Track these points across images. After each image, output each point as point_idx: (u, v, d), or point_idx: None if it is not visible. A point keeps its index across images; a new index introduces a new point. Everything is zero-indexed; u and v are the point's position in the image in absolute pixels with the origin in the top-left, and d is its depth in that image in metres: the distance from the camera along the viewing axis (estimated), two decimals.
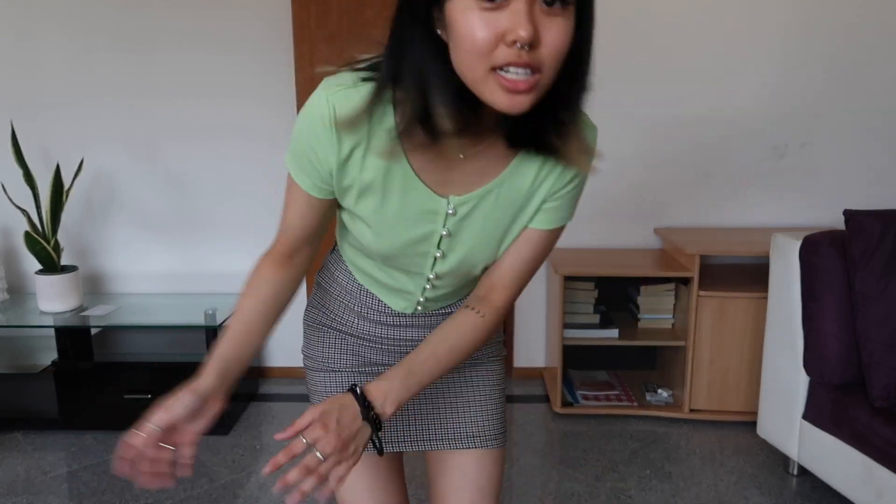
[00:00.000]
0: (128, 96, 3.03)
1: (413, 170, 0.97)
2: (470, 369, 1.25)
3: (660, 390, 2.90)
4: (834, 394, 2.14)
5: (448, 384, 1.24)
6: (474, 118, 0.89)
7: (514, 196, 1.01)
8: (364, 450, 0.98)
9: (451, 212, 1.01)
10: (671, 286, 2.85)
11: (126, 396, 2.70)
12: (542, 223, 1.05)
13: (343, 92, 0.92)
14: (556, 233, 1.07)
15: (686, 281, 2.73)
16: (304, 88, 2.91)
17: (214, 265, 3.18)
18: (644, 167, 3.03)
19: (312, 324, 1.27)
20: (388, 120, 0.92)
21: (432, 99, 0.85)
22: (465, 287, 1.16)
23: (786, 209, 3.04)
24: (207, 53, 2.98)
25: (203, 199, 3.12)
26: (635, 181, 3.05)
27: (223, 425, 2.73)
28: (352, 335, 1.22)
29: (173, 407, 0.98)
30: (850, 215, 2.08)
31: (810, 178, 3.01)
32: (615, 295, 3.06)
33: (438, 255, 1.06)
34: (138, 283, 3.20)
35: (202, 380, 0.99)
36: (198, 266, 3.18)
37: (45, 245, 2.76)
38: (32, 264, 3.09)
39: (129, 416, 2.91)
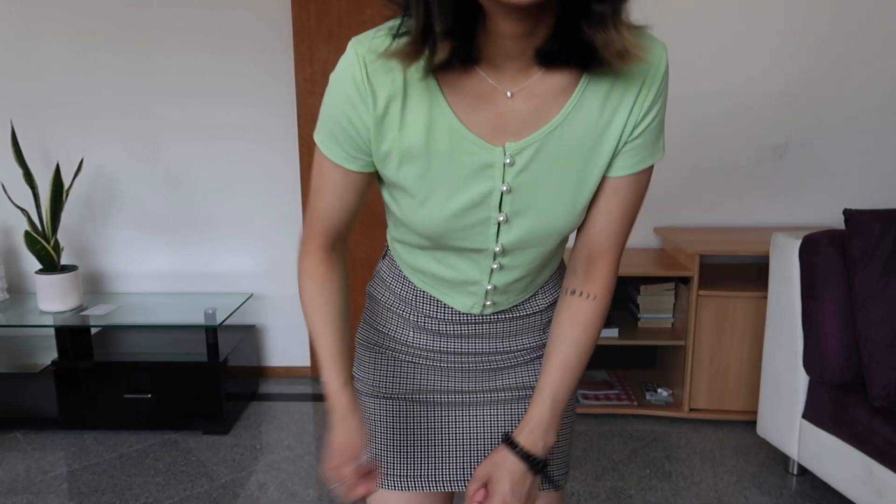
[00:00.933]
0: (128, 96, 3.03)
1: (458, 118, 0.84)
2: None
3: (660, 390, 2.90)
4: (834, 393, 2.14)
5: (514, 411, 1.08)
6: (487, 37, 0.78)
7: (584, 134, 0.85)
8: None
9: (508, 161, 0.86)
10: (671, 285, 2.85)
11: (126, 396, 2.70)
12: (627, 167, 0.89)
13: (371, 42, 0.83)
14: (644, 176, 0.91)
15: (686, 280, 2.73)
16: (304, 88, 2.91)
17: (214, 265, 3.18)
18: None
19: (363, 342, 1.12)
20: (422, 67, 0.81)
21: (431, 3, 0.74)
22: (541, 271, 1.01)
23: (786, 209, 3.04)
24: (207, 53, 2.98)
25: (203, 198, 3.12)
26: None
27: (223, 424, 2.73)
28: (407, 354, 1.08)
29: (351, 459, 0.94)
30: (849, 215, 2.08)
31: (810, 178, 3.01)
32: (615, 294, 3.04)
33: (501, 218, 0.90)
34: (138, 282, 3.20)
35: (338, 388, 0.96)
36: (198, 265, 3.18)
37: (45, 244, 2.77)
38: (32, 264, 3.10)
39: (129, 416, 2.93)
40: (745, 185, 3.03)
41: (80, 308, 2.88)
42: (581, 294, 0.97)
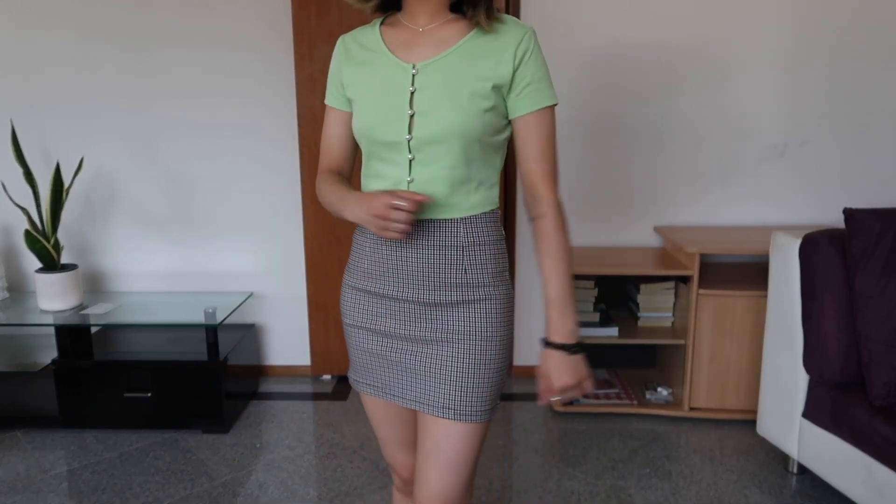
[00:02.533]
0: (128, 95, 3.03)
1: (387, 48, 1.30)
2: (464, 343, 1.30)
3: (660, 389, 2.90)
4: (834, 392, 2.15)
5: (435, 353, 1.32)
6: None
7: (468, 63, 1.24)
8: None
9: (415, 72, 1.25)
10: (671, 284, 2.85)
11: (126, 395, 2.71)
12: (528, 106, 1.26)
13: (353, 30, 1.40)
14: (546, 114, 1.27)
15: (686, 279, 2.73)
16: (304, 87, 2.91)
17: (215, 264, 3.18)
18: (644, 166, 3.03)
19: (343, 282, 1.44)
20: (375, 26, 1.36)
21: None
22: (452, 186, 1.26)
23: (786, 208, 3.04)
24: (207, 52, 2.98)
25: (203, 197, 3.12)
26: (635, 180, 3.05)
27: (223, 423, 2.73)
28: (364, 290, 1.37)
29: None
30: (849, 214, 2.08)
31: (810, 177, 3.01)
32: (615, 293, 3.06)
33: (411, 112, 1.24)
34: (138, 281, 3.20)
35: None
36: (198, 264, 3.18)
37: (45, 243, 2.77)
38: (32, 263, 3.10)
39: (129, 415, 2.93)
40: (744, 185, 3.03)
41: (80, 307, 2.88)
42: (535, 218, 1.30)
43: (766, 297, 2.43)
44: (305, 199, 3.01)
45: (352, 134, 1.36)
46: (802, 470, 2.41)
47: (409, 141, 1.25)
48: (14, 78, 3.03)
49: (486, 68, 1.24)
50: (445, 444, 1.31)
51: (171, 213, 3.14)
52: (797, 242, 2.21)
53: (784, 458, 2.48)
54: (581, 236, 3.08)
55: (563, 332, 1.27)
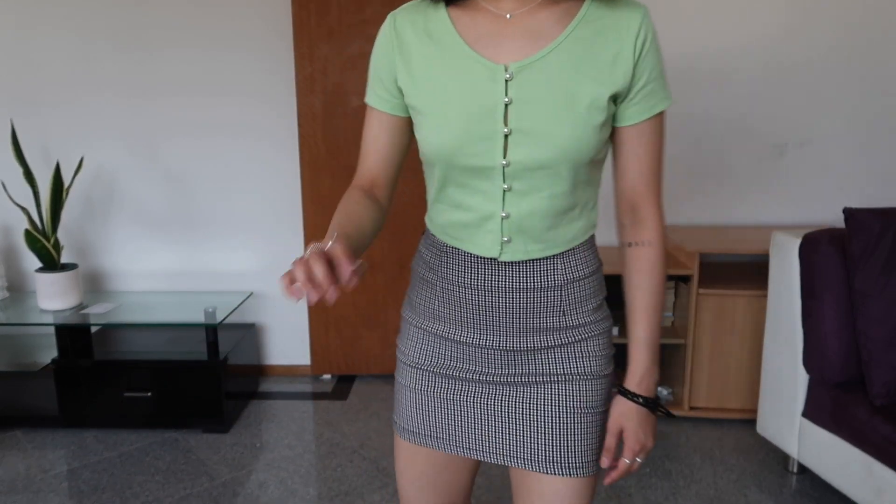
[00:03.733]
0: (128, 94, 3.03)
1: (465, 42, 0.99)
2: (566, 385, 1.12)
3: (659, 388, 2.90)
4: (834, 392, 2.15)
5: (529, 397, 1.11)
6: None
7: (580, 60, 0.96)
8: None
9: (508, 77, 0.96)
10: (671, 284, 2.85)
11: (126, 394, 2.71)
12: (641, 113, 1.00)
13: (403, 6, 1.07)
14: (658, 121, 1.02)
15: (686, 279, 2.73)
16: (304, 87, 2.91)
17: (215, 263, 3.18)
18: None
19: (405, 318, 1.20)
20: (440, 7, 1.02)
21: None
22: (556, 219, 1.03)
23: (785, 207, 3.04)
24: (208, 51, 2.98)
25: (203, 196, 3.12)
26: None
27: (223, 423, 2.73)
28: (434, 333, 1.14)
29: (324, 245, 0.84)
30: (849, 213, 2.08)
31: (810, 177, 3.01)
32: (615, 293, 3.05)
33: (506, 131, 0.96)
34: (138, 281, 3.20)
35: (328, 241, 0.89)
36: (198, 264, 3.18)
37: (45, 243, 2.77)
38: (32, 262, 3.10)
39: (129, 414, 2.93)
40: (745, 184, 3.03)
41: (80, 306, 2.88)
42: (635, 244, 1.08)
43: (765, 296, 2.43)
44: (305, 198, 3.01)
45: (398, 142, 1.10)
46: (802, 469, 2.41)
47: (504, 167, 0.98)
48: (14, 77, 3.03)
49: (602, 68, 0.96)
50: (552, 500, 1.11)
51: (171, 213, 3.14)
52: (797, 242, 2.21)
53: (784, 458, 2.48)
54: None
55: (649, 383, 1.11)
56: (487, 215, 1.03)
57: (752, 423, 2.66)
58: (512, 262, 1.05)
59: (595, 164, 1.03)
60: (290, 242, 3.14)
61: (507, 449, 1.12)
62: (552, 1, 0.98)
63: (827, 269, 2.13)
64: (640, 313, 1.11)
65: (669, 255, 2.88)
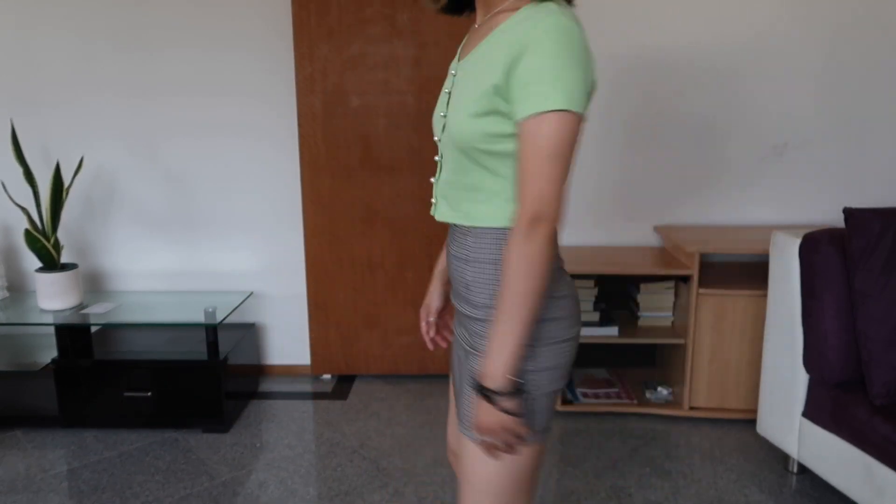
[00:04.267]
0: (128, 94, 3.03)
1: (460, 48, 1.26)
2: (470, 358, 1.22)
3: (659, 388, 2.90)
4: (833, 392, 2.15)
5: (463, 364, 1.27)
6: None
7: (484, 59, 1.11)
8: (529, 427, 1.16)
9: (454, 73, 1.21)
10: (671, 284, 2.85)
11: (126, 394, 2.71)
12: (518, 112, 1.04)
13: None
14: (532, 125, 1.02)
15: (686, 279, 2.73)
16: (304, 87, 2.91)
17: (215, 263, 3.18)
18: (644, 165, 3.03)
19: None
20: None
21: None
22: (459, 191, 1.19)
23: (786, 207, 3.04)
24: (208, 51, 2.98)
25: (203, 196, 3.12)
26: (635, 179, 3.05)
27: (223, 423, 2.73)
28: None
29: (432, 303, 1.47)
30: (849, 213, 2.08)
31: (810, 176, 3.01)
32: (615, 293, 3.06)
33: (444, 114, 1.19)
34: (138, 280, 3.20)
35: (435, 298, 1.47)
36: (198, 264, 3.18)
37: (45, 243, 2.77)
38: (32, 262, 3.10)
39: (129, 414, 2.93)
40: (745, 184, 3.03)
41: (80, 306, 2.88)
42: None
43: (766, 296, 2.43)
44: (305, 198, 3.01)
45: None
46: (802, 469, 2.41)
47: (438, 142, 1.25)
48: (14, 77, 3.03)
49: (491, 67, 1.07)
50: (467, 465, 1.24)
51: (171, 213, 3.14)
52: (797, 242, 2.21)
53: (784, 458, 2.48)
54: (581, 236, 3.08)
55: (482, 372, 1.11)
56: (435, 179, 1.28)
57: (752, 423, 2.67)
58: (452, 227, 1.25)
59: (494, 155, 1.11)
60: (290, 242, 3.14)
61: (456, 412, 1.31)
62: (504, 11, 1.11)
63: (827, 268, 2.13)
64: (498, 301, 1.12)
65: (669, 255, 2.89)
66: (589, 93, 1.06)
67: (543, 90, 1.01)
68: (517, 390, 1.11)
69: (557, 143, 1.02)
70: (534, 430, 1.18)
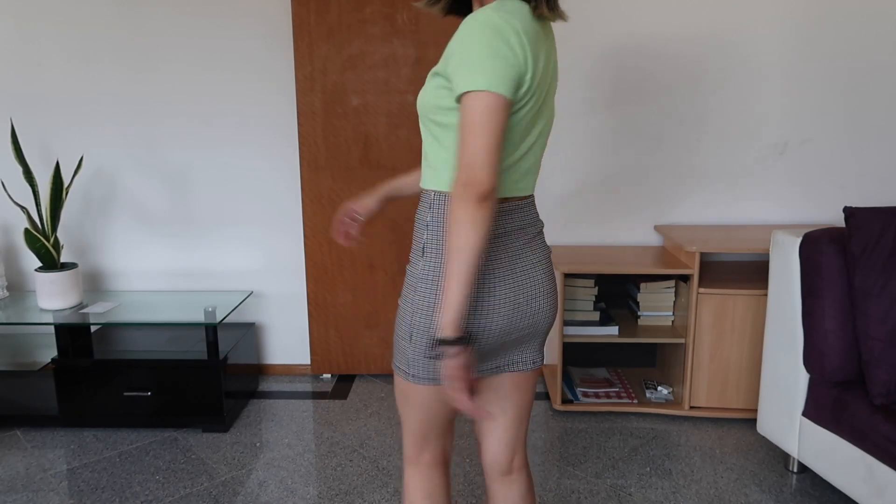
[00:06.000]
0: (127, 93, 3.03)
1: None
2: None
3: (660, 387, 2.90)
4: (834, 391, 2.14)
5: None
6: None
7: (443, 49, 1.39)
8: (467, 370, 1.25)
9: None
10: (671, 283, 2.85)
11: (126, 394, 2.71)
12: (453, 90, 1.21)
13: None
14: (464, 101, 1.18)
15: (686, 278, 2.73)
16: (304, 86, 2.91)
17: (214, 262, 3.18)
18: (644, 165, 3.03)
19: None
20: None
21: None
22: (424, 156, 1.35)
23: (786, 206, 3.03)
24: (207, 51, 2.98)
25: (203, 195, 3.12)
26: (635, 179, 3.05)
27: (223, 422, 2.73)
28: None
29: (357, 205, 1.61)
30: (850, 212, 2.07)
31: (810, 176, 3.01)
32: (615, 292, 3.06)
33: None
34: (138, 280, 3.20)
35: (369, 200, 1.61)
36: (197, 263, 3.18)
37: (45, 242, 2.76)
38: (32, 262, 3.10)
39: (128, 414, 2.92)
40: (745, 183, 3.03)
41: (80, 306, 2.88)
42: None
43: (766, 295, 2.42)
44: (305, 197, 3.01)
45: None
46: (803, 468, 2.41)
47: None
48: (14, 76, 3.03)
49: (446, 53, 1.25)
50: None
51: (170, 212, 3.14)
52: (797, 241, 2.21)
53: (784, 457, 2.48)
54: (581, 235, 3.08)
55: (442, 324, 1.22)
56: None
57: (752, 422, 2.66)
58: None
59: (437, 125, 1.28)
60: (289, 241, 3.14)
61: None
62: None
63: (827, 268, 2.13)
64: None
65: (670, 255, 2.88)
66: (517, 81, 1.20)
67: (465, 73, 1.18)
68: (460, 339, 1.21)
69: (481, 118, 1.16)
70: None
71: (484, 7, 1.22)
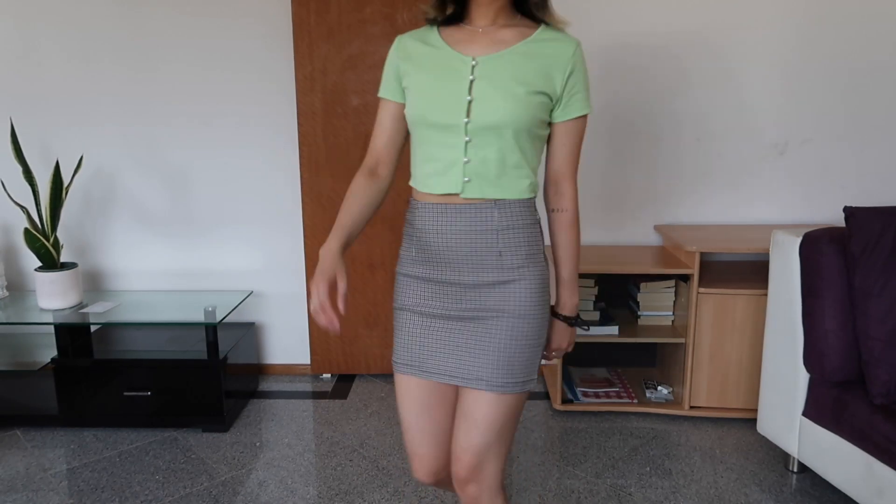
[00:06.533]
0: (127, 93, 3.03)
1: (448, 45, 1.40)
2: (498, 319, 1.40)
3: (660, 387, 2.90)
4: (834, 391, 2.14)
5: (472, 330, 1.43)
6: (471, 5, 1.39)
7: (522, 65, 1.36)
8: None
9: (475, 63, 1.36)
10: (671, 283, 2.85)
11: (126, 393, 2.70)
12: (570, 113, 1.40)
13: (410, 31, 1.49)
14: (581, 122, 1.43)
15: (686, 278, 2.73)
16: (304, 86, 2.91)
17: (214, 262, 3.18)
18: (644, 164, 3.03)
19: (396, 273, 1.53)
20: (434, 29, 1.45)
21: None
22: (502, 170, 1.37)
23: (786, 206, 3.03)
24: (207, 50, 2.98)
25: (203, 195, 3.12)
26: (635, 178, 3.05)
27: (223, 422, 2.73)
28: (411, 276, 1.48)
29: (329, 276, 1.32)
30: (850, 212, 2.07)
31: (811, 175, 3.01)
32: (615, 292, 3.06)
33: (469, 98, 1.34)
34: (138, 280, 3.20)
35: (332, 243, 1.36)
36: (197, 263, 3.18)
37: (45, 242, 2.76)
38: (32, 261, 3.10)
39: (128, 413, 2.92)
40: (745, 183, 3.03)
41: (80, 305, 2.88)
42: (556, 210, 1.47)
43: (766, 295, 2.42)
44: (305, 197, 3.01)
45: (401, 127, 1.47)
46: (803, 468, 2.41)
47: (466, 124, 1.35)
48: (14, 75, 3.02)
49: (539, 71, 1.36)
50: (474, 408, 1.41)
51: (170, 212, 3.14)
52: (797, 241, 2.21)
53: (784, 457, 2.48)
54: (581, 235, 3.07)
55: (570, 306, 1.50)
56: (452, 162, 1.37)
57: (752, 422, 2.66)
58: (465, 206, 1.38)
59: (532, 137, 1.38)
60: (289, 241, 3.14)
61: (452, 370, 1.44)
62: (511, 24, 1.41)
63: (827, 267, 2.12)
64: (563, 260, 1.48)
65: (670, 254, 2.88)
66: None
67: (585, 98, 1.44)
68: (577, 317, 1.53)
69: (583, 137, 1.47)
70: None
71: (568, 32, 1.42)
